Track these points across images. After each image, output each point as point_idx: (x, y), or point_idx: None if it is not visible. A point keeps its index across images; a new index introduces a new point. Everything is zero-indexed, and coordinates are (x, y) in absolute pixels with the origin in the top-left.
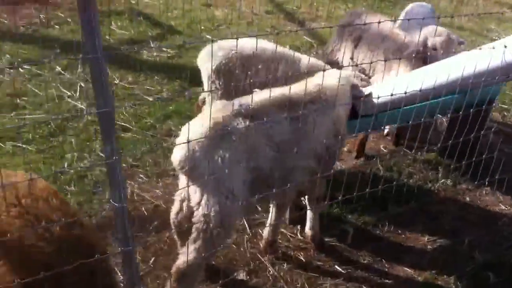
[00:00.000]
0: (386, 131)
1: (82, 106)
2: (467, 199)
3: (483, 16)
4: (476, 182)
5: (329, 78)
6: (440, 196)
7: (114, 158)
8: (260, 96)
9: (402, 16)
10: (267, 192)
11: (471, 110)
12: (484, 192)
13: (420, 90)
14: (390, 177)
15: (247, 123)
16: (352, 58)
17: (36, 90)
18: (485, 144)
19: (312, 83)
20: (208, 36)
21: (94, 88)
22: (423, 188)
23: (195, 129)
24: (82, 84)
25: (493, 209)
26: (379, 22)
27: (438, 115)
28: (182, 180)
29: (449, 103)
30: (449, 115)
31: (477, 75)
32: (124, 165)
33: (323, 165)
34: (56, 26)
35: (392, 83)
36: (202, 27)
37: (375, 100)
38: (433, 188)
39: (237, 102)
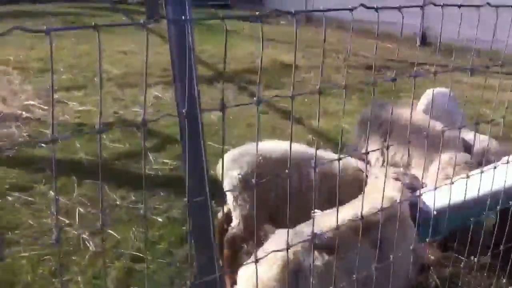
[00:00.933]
0: None
1: (84, 236)
2: None
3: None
4: None
5: (390, 188)
6: None
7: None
8: (330, 219)
9: (422, 103)
10: None
11: None
12: None
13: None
14: None
15: (325, 257)
16: (382, 153)
17: (30, 221)
18: None
19: (380, 197)
20: (209, 143)
21: (176, 72)
22: None
23: (260, 271)
24: (81, 210)
25: None
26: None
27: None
28: None
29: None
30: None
31: None
32: None
33: None
34: (43, 145)
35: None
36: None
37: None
38: None
39: (306, 230)
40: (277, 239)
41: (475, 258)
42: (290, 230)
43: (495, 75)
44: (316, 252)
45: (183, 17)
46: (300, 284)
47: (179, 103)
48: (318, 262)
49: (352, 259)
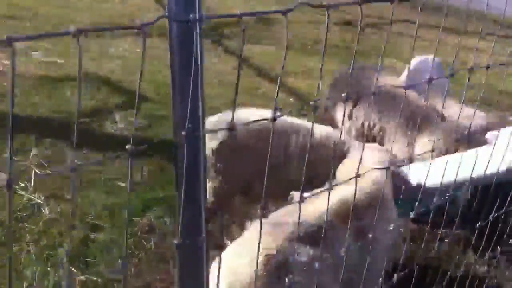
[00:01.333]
0: None
1: (39, 201)
2: None
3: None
4: None
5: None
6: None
7: None
8: (315, 205)
9: (405, 72)
10: None
11: None
12: None
13: None
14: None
15: (311, 251)
16: (350, 118)
17: None
18: None
19: (365, 178)
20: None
21: (176, 85)
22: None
23: (239, 267)
24: (37, 171)
25: None
26: None
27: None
28: None
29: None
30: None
31: None
32: (99, 280)
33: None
34: (0, 99)
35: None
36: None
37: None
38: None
39: (290, 220)
40: (257, 228)
41: (445, 231)
42: (269, 220)
43: (476, 36)
44: (300, 246)
45: (190, 15)
46: (282, 281)
47: (177, 124)
48: (304, 257)
49: (339, 250)
